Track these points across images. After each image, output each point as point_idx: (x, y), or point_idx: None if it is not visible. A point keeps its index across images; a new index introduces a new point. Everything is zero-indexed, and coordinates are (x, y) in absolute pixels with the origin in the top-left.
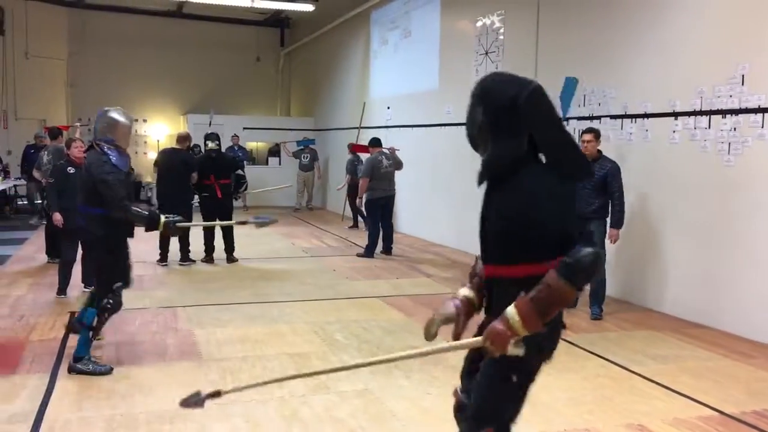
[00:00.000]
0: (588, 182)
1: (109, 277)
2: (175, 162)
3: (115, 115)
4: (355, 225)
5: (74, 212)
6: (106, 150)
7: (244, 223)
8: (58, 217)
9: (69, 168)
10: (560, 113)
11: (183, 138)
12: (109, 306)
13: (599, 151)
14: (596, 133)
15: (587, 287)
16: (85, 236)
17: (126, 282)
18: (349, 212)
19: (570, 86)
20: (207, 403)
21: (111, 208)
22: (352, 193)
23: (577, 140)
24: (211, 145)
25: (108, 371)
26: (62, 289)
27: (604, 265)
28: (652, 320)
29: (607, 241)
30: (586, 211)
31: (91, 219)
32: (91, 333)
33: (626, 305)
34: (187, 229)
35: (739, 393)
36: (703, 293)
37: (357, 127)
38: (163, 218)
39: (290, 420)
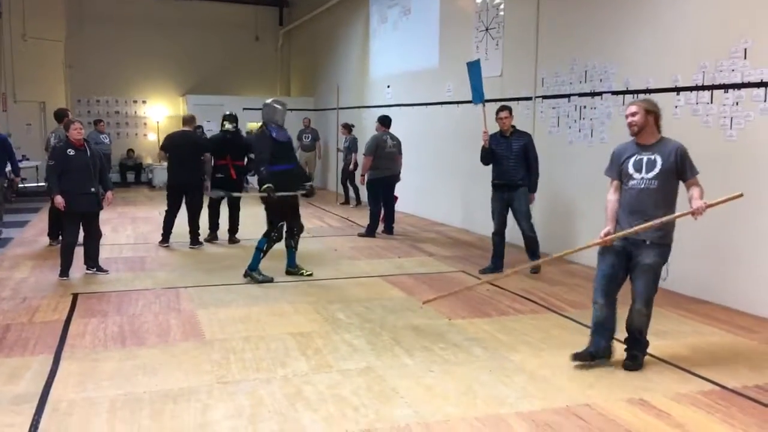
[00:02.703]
0: (511, 154)
1: (274, 217)
2: (187, 144)
3: (274, 104)
4: (347, 201)
5: (76, 194)
6: (268, 128)
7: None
8: (59, 200)
9: (69, 150)
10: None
11: (189, 120)
12: (274, 236)
13: (513, 126)
14: (510, 110)
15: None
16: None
17: (281, 223)
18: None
19: (476, 70)
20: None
21: (254, 165)
22: (353, 170)
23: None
24: (228, 126)
25: (270, 279)
26: (64, 271)
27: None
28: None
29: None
30: (516, 180)
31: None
32: (262, 254)
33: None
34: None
35: (741, 367)
36: (704, 268)
37: (335, 108)
38: (269, 185)
39: (294, 398)
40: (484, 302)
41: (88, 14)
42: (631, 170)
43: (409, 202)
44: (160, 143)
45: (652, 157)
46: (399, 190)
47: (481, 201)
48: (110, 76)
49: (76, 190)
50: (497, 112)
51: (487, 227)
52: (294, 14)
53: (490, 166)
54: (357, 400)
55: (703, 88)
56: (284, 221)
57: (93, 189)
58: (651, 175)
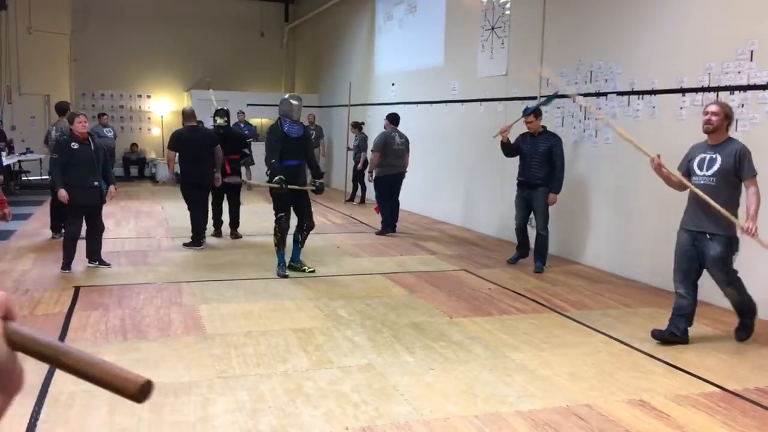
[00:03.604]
0: (536, 154)
1: (277, 209)
2: (200, 139)
3: (291, 99)
4: (352, 199)
5: (79, 187)
6: (281, 122)
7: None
8: (63, 193)
9: (73, 143)
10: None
11: (192, 114)
12: (276, 228)
13: (543, 127)
14: (535, 113)
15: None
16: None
17: (282, 214)
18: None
19: (553, 98)
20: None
21: (265, 158)
22: (362, 168)
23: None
24: (219, 121)
25: (284, 275)
26: (67, 264)
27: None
28: (656, 297)
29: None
30: (535, 179)
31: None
32: (276, 248)
33: (631, 282)
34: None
35: (742, 370)
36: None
37: (347, 105)
38: (280, 176)
39: (294, 394)
40: (485, 301)
41: (93, 8)
42: (695, 167)
43: (411, 200)
44: (167, 143)
45: (714, 156)
46: (402, 188)
47: (483, 200)
48: (115, 71)
49: (80, 183)
50: (525, 117)
51: (488, 226)
52: (299, 11)
53: (516, 165)
54: (357, 397)
55: (708, 89)
56: (285, 213)
57: (96, 183)
58: (710, 172)
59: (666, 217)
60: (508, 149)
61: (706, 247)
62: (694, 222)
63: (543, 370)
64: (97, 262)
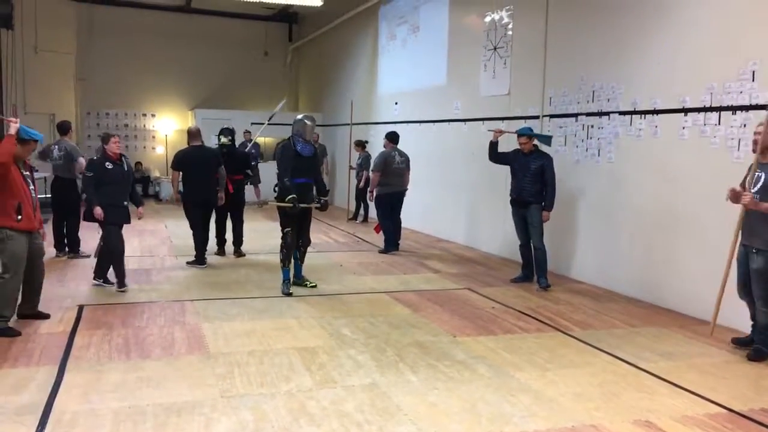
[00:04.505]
0: (527, 173)
1: (281, 224)
2: (205, 158)
3: (305, 119)
4: (355, 218)
5: (111, 206)
6: (294, 141)
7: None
8: (99, 211)
9: (107, 163)
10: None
11: (197, 133)
12: (282, 244)
13: (535, 146)
14: (528, 136)
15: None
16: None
17: (288, 229)
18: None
19: (544, 139)
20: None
21: (278, 176)
22: (365, 187)
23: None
24: (224, 140)
25: (288, 293)
26: (121, 282)
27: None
28: (660, 317)
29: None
30: (527, 197)
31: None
32: (281, 265)
33: (635, 302)
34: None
35: (748, 390)
36: (712, 291)
37: (349, 124)
38: (293, 196)
39: (297, 413)
40: (489, 320)
41: (98, 28)
42: (746, 184)
43: (414, 219)
44: (171, 162)
45: (760, 174)
46: (405, 206)
47: (486, 218)
48: (119, 90)
49: (112, 202)
50: (518, 137)
51: (491, 245)
52: (303, 30)
53: (508, 182)
54: (361, 417)
55: (710, 109)
56: (291, 229)
57: (126, 202)
58: (755, 190)
59: (664, 235)
60: (495, 154)
61: (751, 261)
62: (746, 236)
63: (547, 390)
64: (101, 280)
